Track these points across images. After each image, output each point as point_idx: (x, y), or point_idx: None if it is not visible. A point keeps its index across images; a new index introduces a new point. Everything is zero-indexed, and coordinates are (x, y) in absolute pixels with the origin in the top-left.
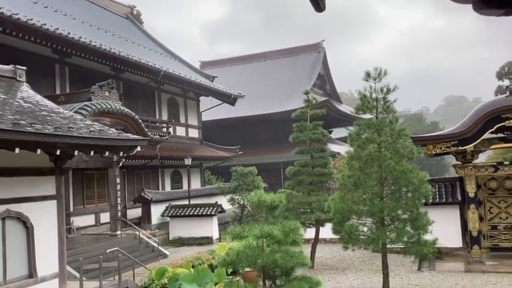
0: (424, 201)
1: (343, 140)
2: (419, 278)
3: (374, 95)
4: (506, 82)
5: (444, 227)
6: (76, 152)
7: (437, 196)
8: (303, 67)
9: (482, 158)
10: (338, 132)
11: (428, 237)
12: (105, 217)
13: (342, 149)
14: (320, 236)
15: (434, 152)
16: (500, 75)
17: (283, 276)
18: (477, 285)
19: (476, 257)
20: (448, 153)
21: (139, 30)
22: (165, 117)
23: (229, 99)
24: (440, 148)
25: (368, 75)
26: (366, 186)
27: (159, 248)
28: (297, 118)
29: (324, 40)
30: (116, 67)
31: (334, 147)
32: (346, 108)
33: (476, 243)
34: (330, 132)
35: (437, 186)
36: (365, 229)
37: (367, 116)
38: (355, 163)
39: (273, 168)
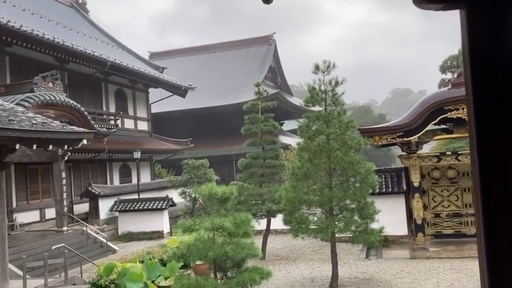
0: (371, 191)
1: (294, 132)
2: (366, 265)
3: (323, 88)
4: (449, 75)
5: (390, 216)
6: (18, 146)
7: (384, 186)
8: (254, 59)
9: (426, 149)
10: (289, 125)
11: (375, 226)
12: (50, 213)
13: (293, 141)
14: (271, 227)
15: (380, 143)
16: (443, 69)
17: (235, 268)
18: (421, 270)
19: (420, 244)
20: (394, 144)
21: (85, 20)
22: (112, 109)
23: (180, 91)
24: (387, 139)
25: (317, 68)
26: (316, 176)
27: (108, 243)
28: (249, 110)
29: (274, 33)
30: (60, 57)
31: (285, 139)
32: (297, 101)
33: (421, 230)
34: (281, 124)
35: (383, 176)
36: (315, 219)
37: (317, 108)
38: (305, 154)
39: (225, 161)
